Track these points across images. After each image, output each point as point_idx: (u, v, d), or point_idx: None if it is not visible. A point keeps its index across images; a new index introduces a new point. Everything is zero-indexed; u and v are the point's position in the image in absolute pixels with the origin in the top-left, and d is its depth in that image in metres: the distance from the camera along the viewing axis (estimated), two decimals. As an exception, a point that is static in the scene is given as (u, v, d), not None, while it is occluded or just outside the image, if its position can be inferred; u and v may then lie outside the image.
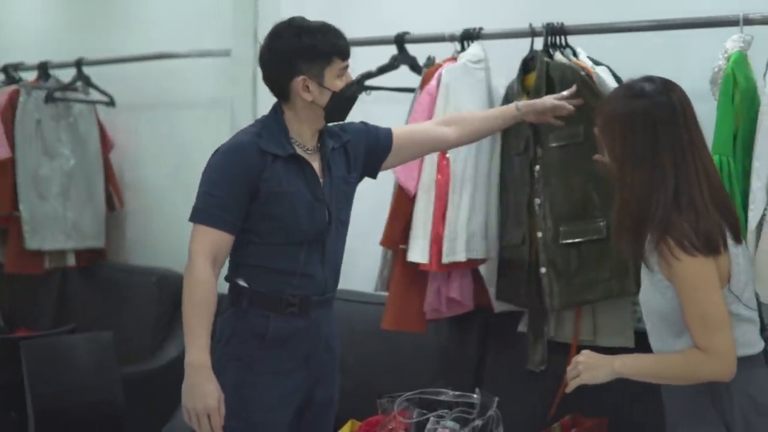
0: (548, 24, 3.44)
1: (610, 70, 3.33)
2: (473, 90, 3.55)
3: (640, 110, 2.38)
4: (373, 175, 3.10)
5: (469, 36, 3.64)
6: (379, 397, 3.38)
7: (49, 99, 5.29)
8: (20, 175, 5.22)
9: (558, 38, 3.44)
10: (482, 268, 3.68)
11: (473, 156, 3.52)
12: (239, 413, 2.75)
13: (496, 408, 3.20)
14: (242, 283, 2.83)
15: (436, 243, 3.47)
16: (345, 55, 2.84)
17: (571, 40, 3.45)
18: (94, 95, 5.40)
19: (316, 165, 2.87)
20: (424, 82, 3.65)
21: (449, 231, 3.47)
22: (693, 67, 3.11)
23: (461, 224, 3.49)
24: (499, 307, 3.67)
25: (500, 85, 3.59)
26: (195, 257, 2.72)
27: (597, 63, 3.36)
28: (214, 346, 2.78)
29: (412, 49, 3.87)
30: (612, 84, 3.24)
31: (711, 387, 2.37)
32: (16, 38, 6.22)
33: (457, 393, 3.28)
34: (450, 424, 3.19)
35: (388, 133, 3.07)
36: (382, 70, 3.88)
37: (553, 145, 3.32)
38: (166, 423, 4.07)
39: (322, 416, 2.99)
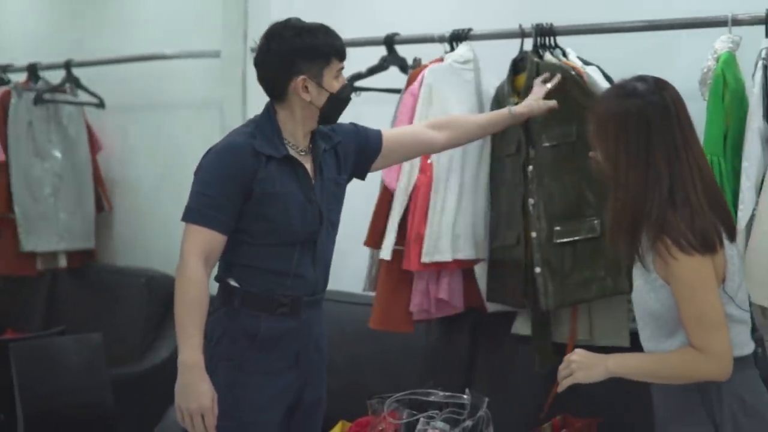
0: (537, 25, 3.44)
1: (600, 70, 3.34)
2: (461, 90, 3.55)
3: (633, 110, 2.38)
4: (362, 177, 3.11)
5: (457, 37, 3.64)
6: (369, 398, 3.37)
7: (38, 101, 5.28)
8: (14, 177, 5.22)
9: (547, 39, 3.45)
10: (477, 269, 3.68)
11: (459, 157, 3.52)
12: (230, 413, 2.74)
13: (487, 408, 3.19)
14: (234, 283, 2.83)
15: (417, 243, 3.47)
16: (342, 57, 2.86)
17: (561, 40, 3.46)
18: (84, 97, 5.39)
19: (308, 166, 2.87)
20: (409, 84, 3.65)
21: (431, 231, 3.46)
22: (682, 67, 3.12)
23: (446, 224, 3.48)
24: (492, 307, 3.67)
25: (491, 86, 3.59)
26: (187, 257, 2.71)
27: (587, 63, 3.37)
28: (205, 346, 2.77)
29: (401, 50, 3.88)
30: (603, 83, 3.25)
31: (701, 386, 2.37)
32: (5, 39, 6.21)
33: (447, 394, 3.27)
34: (440, 424, 3.18)
35: (377, 135, 3.07)
36: (372, 71, 3.88)
37: (546, 145, 3.32)
38: (157, 424, 4.06)
39: (312, 416, 2.99)
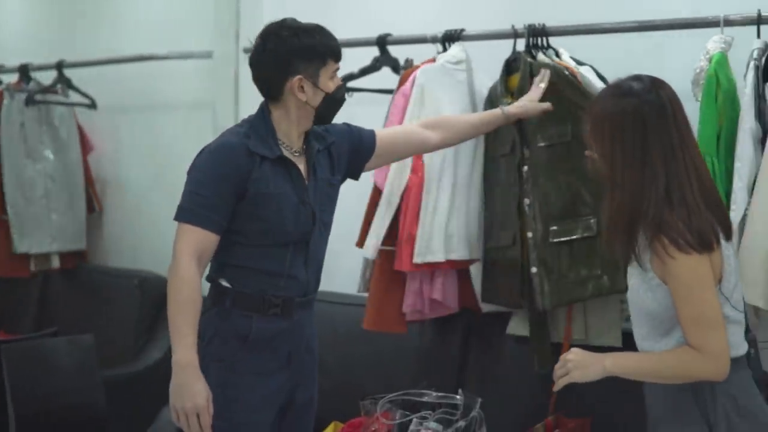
0: (530, 25, 3.45)
1: (594, 70, 3.34)
2: (453, 91, 3.55)
3: (629, 109, 2.37)
4: (356, 177, 3.11)
5: (450, 37, 3.64)
6: (362, 399, 3.37)
7: (30, 102, 5.27)
8: (6, 179, 5.22)
9: (540, 39, 3.45)
10: (472, 270, 3.68)
11: (452, 158, 3.52)
12: (222, 414, 2.74)
13: (480, 409, 3.19)
14: (225, 283, 2.83)
15: (409, 243, 3.47)
16: (338, 57, 2.87)
17: (553, 41, 3.46)
18: (75, 98, 5.38)
19: (301, 167, 2.87)
20: (401, 84, 3.65)
21: (423, 231, 3.46)
22: (674, 67, 3.12)
23: (438, 225, 3.48)
24: (486, 308, 3.67)
25: (484, 86, 3.59)
26: (180, 256, 2.71)
27: (580, 63, 3.37)
28: (197, 346, 2.77)
29: (394, 50, 3.88)
30: (597, 83, 3.26)
31: (694, 386, 2.37)
32: (-4, 40, 6.20)
33: (440, 394, 3.27)
34: (433, 425, 3.18)
35: (371, 135, 3.08)
36: (364, 71, 3.89)
37: (541, 145, 3.32)
38: (149, 426, 4.05)
39: (303, 416, 2.99)
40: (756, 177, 2.92)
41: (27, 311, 5.50)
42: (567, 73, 3.30)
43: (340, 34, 2.90)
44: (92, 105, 5.35)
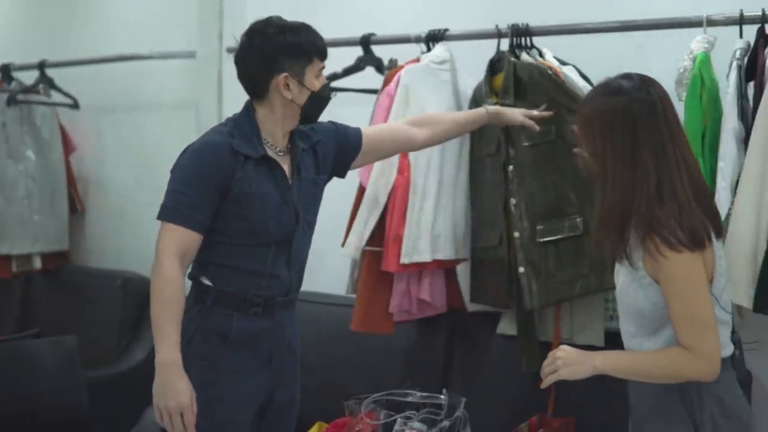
0: (514, 25, 3.45)
1: (577, 69, 3.35)
2: (438, 90, 3.55)
3: (619, 107, 2.37)
4: (342, 175, 3.11)
5: (434, 37, 3.64)
6: (347, 399, 3.37)
7: (12, 102, 5.24)
8: (-12, 179, 5.19)
9: (524, 39, 3.46)
10: (459, 270, 3.68)
11: (438, 158, 3.52)
12: (203, 412, 2.72)
13: (464, 409, 3.19)
14: (207, 282, 2.82)
15: (396, 244, 3.47)
16: (324, 56, 2.86)
17: (537, 41, 3.47)
18: (57, 98, 5.36)
19: (286, 166, 2.86)
20: (385, 84, 3.65)
21: (410, 231, 3.47)
22: (656, 67, 3.13)
23: (425, 225, 3.48)
24: (472, 307, 3.68)
25: (468, 86, 3.60)
26: (163, 255, 2.70)
27: (563, 63, 3.38)
28: None
29: (377, 50, 3.87)
30: (579, 82, 3.27)
31: (681, 386, 2.37)
32: (-22, 40, 6.16)
33: (424, 394, 3.27)
34: (417, 425, 3.18)
35: (357, 132, 3.07)
36: (348, 71, 3.88)
37: (526, 144, 3.33)
38: (132, 427, 4.04)
39: (284, 416, 2.98)
40: (739, 176, 2.93)
41: (9, 312, 5.47)
42: (550, 72, 3.31)
43: (323, 33, 2.90)
44: (75, 105, 5.33)
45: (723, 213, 2.89)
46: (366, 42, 3.86)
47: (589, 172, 2.47)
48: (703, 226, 2.33)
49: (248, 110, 2.86)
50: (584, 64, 3.39)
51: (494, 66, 3.49)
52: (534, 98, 3.31)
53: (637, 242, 2.35)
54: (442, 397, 3.22)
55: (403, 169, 3.49)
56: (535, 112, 3.23)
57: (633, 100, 2.37)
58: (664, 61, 3.17)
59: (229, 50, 4.42)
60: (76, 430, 4.26)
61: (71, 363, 4.35)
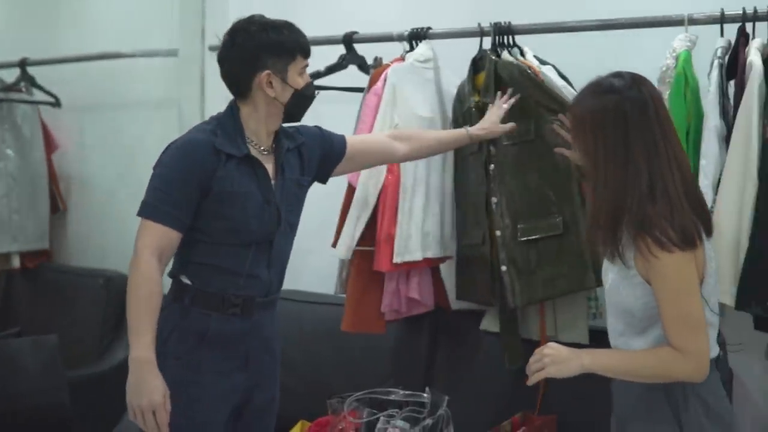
0: (496, 23, 3.46)
1: (556, 69, 3.36)
2: (423, 89, 3.56)
3: (610, 106, 2.36)
4: (323, 181, 3.12)
5: (417, 35, 3.64)
6: (329, 398, 3.36)
7: (-8, 100, 5.22)
8: (-33, 178, 5.16)
9: (506, 38, 3.46)
10: (443, 268, 3.68)
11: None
12: (178, 411, 2.71)
13: (446, 407, 3.19)
14: (186, 280, 2.81)
15: (388, 243, 3.47)
16: (307, 54, 2.87)
17: (519, 39, 3.47)
18: (39, 96, 5.34)
19: (269, 166, 2.86)
20: (372, 83, 3.64)
21: (401, 231, 3.47)
22: (638, 66, 3.14)
23: (415, 224, 3.49)
24: (456, 305, 3.68)
25: (451, 84, 3.60)
26: (141, 252, 2.69)
27: (543, 62, 3.39)
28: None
29: (360, 48, 3.87)
30: (558, 82, 3.29)
31: (667, 386, 2.36)
32: (-42, 38, 6.13)
33: (407, 392, 3.27)
34: (400, 423, 3.18)
35: (342, 140, 3.09)
36: (331, 69, 3.87)
37: (506, 143, 3.34)
38: (114, 426, 4.02)
39: (263, 417, 2.97)
40: (721, 174, 2.94)
41: (-11, 311, 5.45)
42: (530, 71, 3.32)
43: (306, 32, 2.90)
44: (56, 103, 5.30)
45: (706, 211, 2.91)
46: (349, 40, 3.86)
47: (582, 171, 2.46)
48: (694, 225, 2.32)
49: (232, 109, 2.86)
50: (567, 62, 3.40)
51: (477, 64, 3.50)
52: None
53: (630, 241, 2.34)
54: (425, 395, 3.22)
55: (393, 168, 3.49)
56: (505, 106, 3.29)
57: (625, 98, 2.36)
58: (645, 60, 3.18)
59: (212, 48, 4.42)
60: (58, 430, 4.25)
61: (52, 362, 4.33)
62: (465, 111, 3.47)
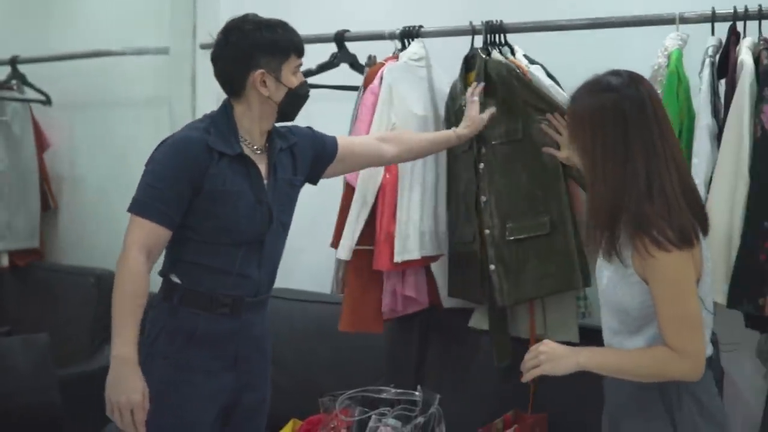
0: (487, 22, 3.46)
1: (544, 69, 3.36)
2: (417, 88, 3.56)
3: (608, 104, 2.35)
4: (314, 182, 3.12)
5: (408, 34, 3.64)
6: (321, 396, 3.37)
7: (-18, 98, 5.21)
8: (-45, 177, 5.15)
9: (497, 36, 3.46)
10: (434, 266, 3.68)
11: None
12: (165, 412, 2.71)
13: (438, 405, 3.20)
14: (176, 279, 2.80)
15: (388, 242, 3.46)
16: (301, 53, 2.86)
17: (511, 38, 3.47)
18: (30, 94, 5.32)
19: (262, 165, 2.85)
20: (367, 82, 3.64)
21: (400, 229, 3.46)
22: (629, 65, 3.14)
23: (414, 223, 3.49)
24: (447, 303, 3.68)
25: (442, 82, 3.60)
26: (129, 248, 2.68)
27: (532, 62, 3.39)
28: (143, 342, 2.75)
29: (351, 46, 3.87)
30: (546, 81, 3.30)
31: (661, 383, 2.36)
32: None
33: (399, 391, 3.27)
34: (392, 421, 3.18)
35: (333, 142, 3.09)
36: (322, 67, 3.87)
37: (495, 142, 3.34)
38: (105, 425, 4.02)
39: (254, 418, 2.96)
40: (712, 173, 2.95)
41: (-21, 310, 5.44)
42: (518, 71, 3.32)
43: (297, 30, 2.89)
44: (47, 101, 5.29)
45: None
46: (340, 38, 3.86)
47: (571, 172, 2.45)
48: (691, 224, 2.32)
49: (225, 108, 2.85)
50: (558, 62, 3.40)
51: (469, 62, 3.49)
52: (502, 96, 3.33)
53: (627, 240, 2.33)
54: (417, 393, 3.23)
55: (391, 168, 3.48)
56: (475, 97, 3.31)
57: (623, 96, 2.35)
58: (636, 59, 3.17)
59: (203, 46, 4.41)
60: (49, 429, 4.23)
61: (43, 361, 4.32)
62: (457, 109, 3.48)
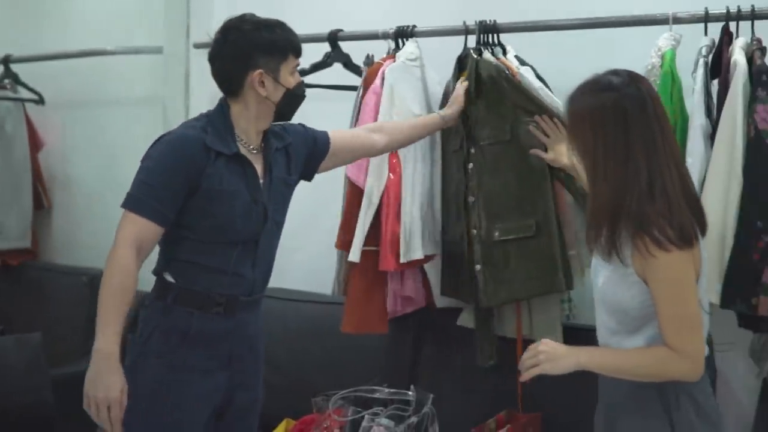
0: (481, 22, 3.46)
1: (534, 70, 3.36)
2: (414, 87, 3.57)
3: (609, 103, 2.34)
4: (309, 178, 3.11)
5: (402, 34, 3.64)
6: (314, 396, 3.37)
7: (-25, 97, 5.20)
8: (-53, 176, 5.14)
9: (490, 36, 3.46)
10: (427, 266, 3.69)
11: (420, 155, 3.55)
12: (158, 411, 2.71)
13: (431, 405, 3.20)
14: (170, 278, 2.79)
15: (393, 243, 3.46)
16: (299, 53, 2.86)
17: (504, 38, 3.47)
18: (23, 93, 5.32)
19: (258, 165, 2.85)
20: (368, 82, 3.63)
21: (405, 230, 3.46)
22: (622, 65, 3.14)
23: (416, 222, 3.49)
24: (440, 302, 3.68)
25: (434, 82, 3.61)
26: (120, 243, 2.67)
27: (523, 63, 3.39)
28: (135, 341, 2.75)
29: (345, 46, 3.87)
30: (535, 83, 3.30)
31: (659, 383, 2.36)
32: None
33: (392, 390, 3.28)
34: (385, 421, 3.19)
35: (325, 137, 3.08)
36: (316, 67, 3.87)
37: (483, 143, 3.35)
38: (98, 426, 4.01)
39: (246, 417, 2.95)
40: (706, 173, 2.95)
41: (-29, 310, 5.42)
42: (507, 72, 3.32)
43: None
44: (40, 100, 5.29)
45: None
46: (333, 38, 3.86)
47: (558, 175, 2.45)
48: (691, 223, 2.32)
49: (222, 107, 2.84)
50: (551, 62, 3.40)
51: (462, 62, 3.50)
52: (492, 96, 3.33)
53: (627, 239, 2.33)
54: (410, 393, 3.23)
55: (394, 168, 3.48)
56: (465, 83, 3.35)
57: (623, 96, 2.34)
58: (630, 59, 3.17)
59: (196, 46, 4.40)
60: (41, 428, 4.22)
61: (36, 360, 4.31)
62: (452, 108, 3.48)
